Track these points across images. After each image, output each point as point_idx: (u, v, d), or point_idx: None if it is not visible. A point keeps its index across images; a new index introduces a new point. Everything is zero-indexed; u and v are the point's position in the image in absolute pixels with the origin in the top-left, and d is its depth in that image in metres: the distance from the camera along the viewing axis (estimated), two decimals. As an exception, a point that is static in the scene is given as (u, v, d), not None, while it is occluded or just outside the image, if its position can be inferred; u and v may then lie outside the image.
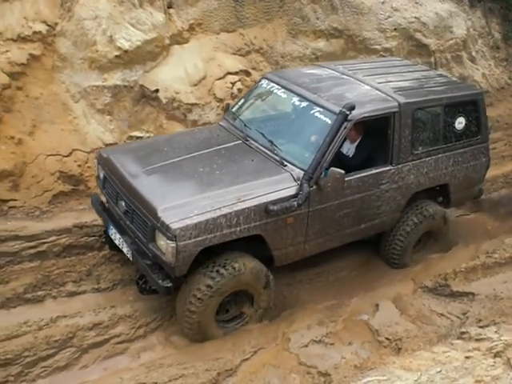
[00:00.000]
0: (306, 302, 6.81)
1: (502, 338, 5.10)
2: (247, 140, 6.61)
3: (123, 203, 5.98)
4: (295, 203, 5.81)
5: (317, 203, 6.16)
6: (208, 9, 9.03)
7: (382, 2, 10.29)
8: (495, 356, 4.77)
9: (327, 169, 6.06)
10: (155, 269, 5.73)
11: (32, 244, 6.77)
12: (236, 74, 8.86)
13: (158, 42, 8.33)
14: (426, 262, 7.51)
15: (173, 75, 8.38)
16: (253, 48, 9.29)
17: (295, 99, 6.72)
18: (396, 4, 10.50)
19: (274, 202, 5.77)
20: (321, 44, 9.80)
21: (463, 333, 5.64)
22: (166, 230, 5.36)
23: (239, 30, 9.30)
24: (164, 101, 8.23)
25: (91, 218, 7.13)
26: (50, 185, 7.46)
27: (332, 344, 6.06)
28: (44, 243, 6.82)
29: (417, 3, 10.94)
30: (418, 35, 10.70)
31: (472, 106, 7.34)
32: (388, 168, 6.70)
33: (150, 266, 5.75)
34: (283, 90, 6.90)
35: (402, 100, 6.66)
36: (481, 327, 5.85)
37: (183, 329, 5.92)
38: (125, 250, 6.11)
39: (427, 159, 7.00)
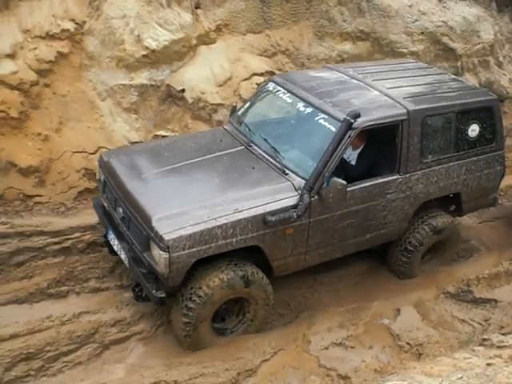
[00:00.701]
0: (327, 304, 6.79)
1: (523, 346, 5.08)
2: (250, 146, 6.45)
3: (121, 209, 5.89)
4: (294, 214, 5.63)
5: (318, 214, 5.97)
6: (235, 10, 9.05)
7: (410, 6, 10.22)
8: (517, 364, 4.75)
9: (330, 178, 5.87)
10: (150, 278, 5.61)
11: (56, 240, 6.84)
12: (262, 75, 8.86)
13: (185, 42, 8.37)
14: (449, 268, 7.47)
15: (199, 75, 8.41)
16: (279, 49, 9.29)
17: (300, 104, 6.51)
18: (423, 8, 10.42)
19: (273, 213, 5.59)
20: (347, 46, 9.77)
21: (485, 339, 5.59)
22: (159, 240, 5.25)
23: (266, 31, 9.30)
24: (190, 101, 8.26)
25: (115, 215, 7.21)
26: (76, 181, 7.54)
27: (352, 347, 6.07)
28: (68, 239, 6.89)
29: (444, 7, 10.86)
30: (445, 39, 10.60)
31: (487, 113, 7.07)
32: (395, 177, 6.48)
33: (144, 275, 5.65)
34: (289, 94, 6.70)
35: (411, 107, 6.43)
36: (503, 334, 5.83)
37: (179, 336, 5.81)
38: (122, 256, 6.05)
39: (437, 168, 6.75)
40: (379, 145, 6.52)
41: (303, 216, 5.77)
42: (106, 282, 6.63)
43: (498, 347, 5.28)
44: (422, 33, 10.28)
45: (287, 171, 6.00)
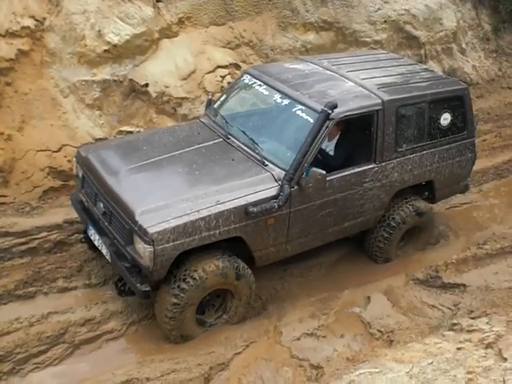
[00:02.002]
0: (297, 295, 6.80)
1: (493, 329, 5.15)
2: (228, 138, 6.50)
3: (101, 204, 5.89)
4: (276, 205, 5.71)
5: (298, 203, 6.05)
6: (197, 2, 8.97)
7: (372, -6, 10.28)
8: (487, 347, 4.81)
9: (309, 168, 5.95)
10: (133, 272, 5.62)
11: (22, 240, 6.75)
12: (226, 67, 8.82)
13: (147, 36, 8.28)
14: (417, 255, 7.54)
15: (162, 69, 8.33)
16: (242, 41, 9.26)
17: (277, 96, 6.57)
18: (386, -4, 10.49)
19: (254, 204, 5.66)
20: (311, 37, 9.76)
21: (455, 324, 5.67)
22: (143, 233, 5.27)
23: (228, 23, 9.25)
24: (154, 95, 8.18)
25: (82, 213, 7.14)
26: (40, 180, 7.43)
27: (324, 337, 6.10)
28: (35, 239, 6.80)
29: (406, -5, 10.94)
30: (408, 27, 10.68)
31: (458, 102, 7.22)
32: (371, 166, 6.59)
33: (128, 269, 5.65)
34: (265, 86, 6.76)
35: (386, 97, 6.55)
36: (472, 318, 5.90)
37: (164, 331, 5.87)
38: (104, 251, 6.03)
39: (411, 156, 6.88)
40: (355, 135, 6.66)
41: (284, 206, 5.84)
42: (74, 282, 6.56)
43: (468, 331, 5.35)
44: (385, 21, 10.34)
45: (266, 162, 6.07)
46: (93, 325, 6.05)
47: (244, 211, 5.63)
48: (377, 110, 6.47)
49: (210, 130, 6.71)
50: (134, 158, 6.14)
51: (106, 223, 5.85)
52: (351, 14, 10.00)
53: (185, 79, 8.43)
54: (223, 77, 8.69)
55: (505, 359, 4.46)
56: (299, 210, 6.10)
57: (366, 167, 6.56)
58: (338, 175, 6.33)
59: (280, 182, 5.86)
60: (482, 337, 5.02)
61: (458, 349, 4.90)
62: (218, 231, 5.56)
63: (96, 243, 6.17)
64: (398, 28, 10.55)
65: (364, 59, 7.76)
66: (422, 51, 10.81)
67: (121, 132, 7.96)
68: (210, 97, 7.29)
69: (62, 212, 7.20)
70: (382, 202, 6.87)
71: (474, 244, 7.65)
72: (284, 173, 5.90)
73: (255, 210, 5.63)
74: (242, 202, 5.65)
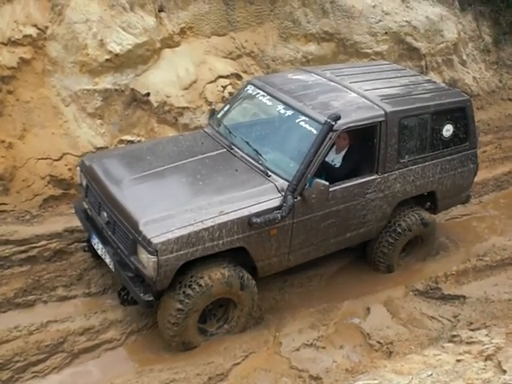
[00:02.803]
0: (297, 305, 6.81)
1: (492, 341, 5.13)
2: (232, 148, 6.51)
3: (105, 214, 5.90)
4: (279, 215, 5.73)
5: (301, 214, 6.07)
6: (199, 12, 9.01)
7: (373, 6, 10.29)
8: (486, 359, 4.79)
9: (312, 179, 5.98)
10: (137, 281, 5.65)
11: (22, 248, 6.74)
12: (227, 77, 8.83)
13: (148, 45, 8.30)
14: (417, 266, 7.54)
15: (164, 79, 8.35)
16: (244, 51, 9.29)
17: (280, 107, 6.61)
18: (387, 8, 10.50)
19: (258, 215, 5.69)
20: (312, 48, 9.80)
21: (454, 336, 5.66)
22: (147, 244, 5.28)
23: (230, 33, 9.29)
24: (155, 104, 8.19)
25: (82, 222, 7.14)
26: (41, 189, 7.42)
27: (323, 348, 6.08)
28: (34, 248, 6.79)
29: (408, 7, 10.97)
30: (409, 39, 10.72)
31: (460, 113, 7.25)
32: (374, 177, 6.62)
33: (131, 279, 5.67)
34: (269, 96, 6.80)
35: (389, 109, 6.58)
36: (472, 330, 5.88)
37: (166, 340, 5.87)
38: (107, 260, 6.04)
39: (414, 167, 6.92)
40: (358, 146, 6.68)
41: (287, 217, 5.87)
42: (74, 290, 6.56)
43: (467, 343, 5.34)
44: (386, 33, 10.37)
45: (270, 173, 6.10)
46: (92, 334, 6.04)
47: (247, 222, 5.64)
48: (380, 122, 6.49)
49: (213, 140, 6.72)
50: (138, 168, 6.16)
51: (110, 232, 5.87)
52: (352, 25, 10.03)
53: (186, 89, 8.44)
54: (224, 87, 8.70)
55: (504, 371, 4.44)
56: (302, 221, 6.11)
57: (368, 178, 6.58)
58: (341, 186, 6.35)
59: (283, 193, 5.88)
60: (481, 349, 5.01)
61: (458, 361, 4.89)
62: (221, 242, 5.56)
63: (99, 252, 6.17)
64: (398, 39, 10.59)
65: (367, 70, 7.80)
66: (423, 62, 10.85)
67: (122, 141, 7.97)
68: (213, 107, 7.31)
69: (62, 220, 7.20)
70: (384, 212, 6.90)
71: (474, 255, 7.64)
72: (287, 183, 5.93)
73: (258, 220, 5.64)
74: (246, 212, 5.67)
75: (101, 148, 7.79)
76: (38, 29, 7.88)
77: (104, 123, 8.00)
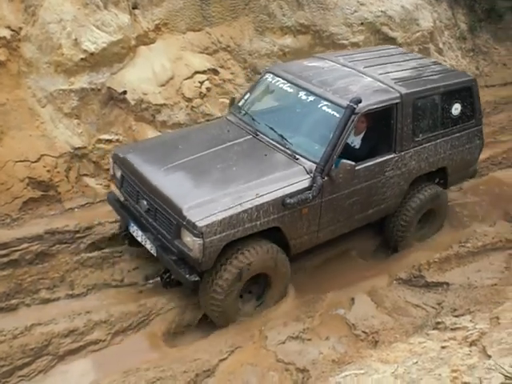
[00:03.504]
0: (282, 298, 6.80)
1: (477, 327, 5.14)
2: (257, 134, 6.83)
3: (145, 202, 6.17)
4: (310, 195, 6.11)
5: (328, 193, 6.43)
6: (173, 8, 8.96)
7: (348, -3, 10.31)
8: (471, 345, 4.80)
9: (339, 160, 6.32)
10: (181, 264, 5.95)
11: (3, 252, 6.66)
12: (204, 72, 8.82)
13: (123, 43, 8.24)
14: (400, 254, 7.57)
15: (140, 76, 8.31)
16: (220, 46, 9.25)
17: (302, 93, 6.93)
18: (362, -2, 10.53)
19: (291, 195, 6.04)
20: (288, 40, 9.79)
21: (439, 323, 5.68)
22: (192, 227, 5.59)
23: (206, 28, 9.25)
24: (132, 102, 8.15)
25: (63, 223, 7.11)
26: (20, 191, 7.34)
27: (309, 340, 6.09)
28: (16, 251, 6.71)
29: (383, -3, 10.99)
30: (385, 29, 10.73)
31: (466, 92, 7.71)
32: (392, 156, 7.00)
33: (175, 262, 5.96)
34: (289, 84, 7.13)
35: (404, 91, 6.98)
36: (456, 316, 5.91)
37: (209, 315, 6.19)
38: (148, 246, 6.29)
39: (427, 145, 7.33)
40: (376, 127, 7.00)
41: (317, 196, 6.24)
42: (57, 292, 6.51)
43: (452, 329, 5.36)
44: (362, 23, 10.39)
45: (297, 156, 6.45)
46: (76, 335, 6.00)
47: (281, 203, 6.01)
48: (396, 103, 6.90)
49: (238, 128, 7.04)
50: (172, 157, 6.46)
51: (151, 219, 6.15)
52: (328, 16, 10.03)
53: (163, 86, 8.41)
54: (202, 82, 8.68)
55: (489, 356, 4.45)
56: (329, 200, 6.49)
57: (387, 157, 6.98)
58: (363, 165, 6.71)
59: (312, 174, 6.24)
60: (465, 335, 5.02)
61: (443, 347, 4.89)
62: (258, 222, 5.92)
63: (139, 239, 6.41)
64: (374, 30, 10.60)
65: (377, 55, 8.17)
66: (400, 51, 10.85)
67: (100, 140, 7.91)
68: (233, 96, 7.79)
69: (43, 223, 7.16)
70: (401, 189, 7.30)
71: (456, 242, 7.68)
72: (314, 165, 6.29)
73: (292, 201, 6.02)
74: (279, 194, 6.02)
75: (79, 148, 7.76)
76: (12, 30, 7.80)
77: (81, 123, 7.93)
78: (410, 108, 7.02)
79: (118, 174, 6.68)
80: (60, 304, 6.41)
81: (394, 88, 7.01)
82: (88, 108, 8.00)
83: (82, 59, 7.88)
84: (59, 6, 7.90)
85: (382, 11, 10.70)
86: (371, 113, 6.75)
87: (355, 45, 10.29)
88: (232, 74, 9.26)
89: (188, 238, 5.68)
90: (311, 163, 6.32)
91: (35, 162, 7.50)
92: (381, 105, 6.79)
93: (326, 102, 6.69)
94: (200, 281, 5.93)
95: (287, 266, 6.41)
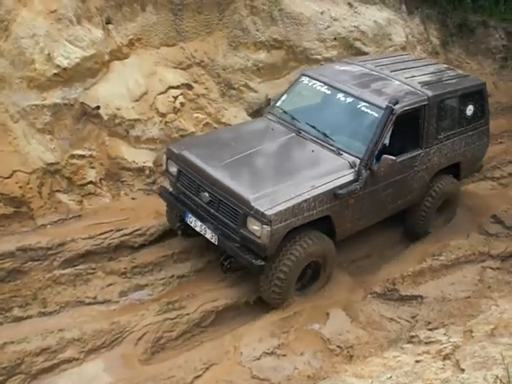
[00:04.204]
0: (257, 314, 6.80)
1: (450, 340, 5.16)
2: (300, 132, 7.44)
3: (206, 194, 6.66)
4: (358, 187, 6.78)
5: (369, 185, 7.05)
6: (147, 23, 8.94)
7: (321, 12, 10.36)
8: (444, 358, 4.81)
9: (380, 155, 7.00)
10: (245, 250, 6.44)
11: (-25, 270, 6.58)
12: (178, 87, 8.80)
13: (97, 58, 8.20)
14: (374, 268, 7.61)
15: (113, 91, 8.27)
16: (194, 61, 9.24)
17: (340, 95, 7.60)
18: (335, 14, 10.59)
19: (340, 187, 6.67)
20: (262, 55, 9.82)
21: (413, 336, 5.70)
22: (261, 216, 6.14)
23: (179, 43, 9.23)
24: (105, 118, 8.10)
25: (35, 240, 7.02)
26: (-9, 208, 7.26)
27: (284, 355, 6.09)
28: (-13, 269, 6.63)
29: (356, 12, 11.07)
30: (358, 44, 10.83)
31: (478, 95, 8.59)
32: (419, 152, 7.77)
33: (239, 249, 6.46)
34: (326, 86, 7.78)
35: (430, 93, 7.73)
36: (430, 330, 5.94)
37: (269, 296, 6.68)
38: (208, 235, 6.74)
39: (447, 142, 8.13)
40: (406, 126, 7.50)
41: (362, 188, 6.87)
42: (29, 310, 6.43)
43: (426, 343, 5.38)
44: (335, 38, 10.46)
45: (341, 152, 7.09)
46: (49, 354, 5.94)
47: (333, 194, 6.63)
48: (424, 105, 7.65)
49: (281, 126, 7.64)
50: (228, 153, 7.01)
51: (213, 210, 6.64)
52: (301, 32, 10.09)
53: (137, 101, 8.38)
54: (175, 97, 8.67)
55: (462, 370, 4.46)
56: (370, 191, 7.12)
57: (415, 153, 7.73)
58: (400, 160, 7.39)
59: (355, 168, 6.89)
60: (439, 348, 5.03)
61: (417, 361, 4.90)
62: (315, 211, 6.52)
63: (198, 229, 6.87)
64: (347, 45, 10.69)
65: (396, 60, 8.97)
66: (373, 67, 10.93)
67: (73, 156, 7.85)
68: (269, 97, 8.41)
69: (15, 240, 7.05)
70: (425, 181, 8.06)
71: (429, 255, 7.73)
72: (357, 160, 6.94)
73: (343, 192, 6.67)
74: (331, 186, 6.66)
75: (52, 164, 7.67)
76: (-16, 45, 7.72)
77: (54, 138, 7.85)
78: (435, 109, 7.79)
79: (174, 169, 7.15)
80: (32, 322, 6.33)
81: (421, 91, 7.75)
82: (61, 123, 7.93)
83: (54, 74, 7.81)
84: (32, 21, 7.83)
85: (354, 26, 10.79)
86: (404, 113, 7.36)
87: (328, 60, 10.35)
88: (206, 88, 9.25)
89: (255, 226, 6.22)
90: (354, 158, 6.97)
91: (7, 177, 7.39)
92: (413, 106, 7.52)
93: (364, 103, 7.37)
94: (264, 266, 6.41)
95: (333, 254, 6.97)
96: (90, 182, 7.94)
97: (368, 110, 7.31)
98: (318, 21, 10.29)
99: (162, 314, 6.46)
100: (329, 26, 10.40)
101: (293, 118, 7.63)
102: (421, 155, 7.78)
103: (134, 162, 8.20)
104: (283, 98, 8.07)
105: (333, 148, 7.13)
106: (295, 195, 6.37)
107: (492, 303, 6.33)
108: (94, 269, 6.97)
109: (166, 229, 7.67)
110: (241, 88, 9.65)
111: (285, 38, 9.93)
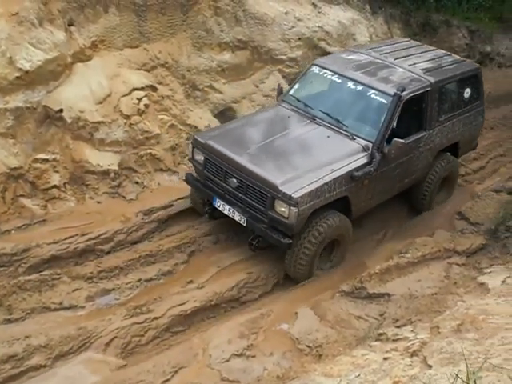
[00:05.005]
0: (226, 314, 6.83)
1: (418, 337, 5.22)
2: (314, 119, 7.96)
3: (234, 180, 7.16)
4: (372, 169, 7.38)
5: (381, 167, 7.61)
6: (110, 25, 8.86)
7: (285, 13, 10.39)
8: (412, 355, 4.86)
9: (390, 139, 7.54)
10: (273, 230, 7.00)
11: None
12: (142, 89, 8.74)
13: (59, 60, 8.10)
14: (342, 267, 7.64)
15: (77, 94, 8.17)
16: (158, 63, 9.19)
17: (350, 83, 8.13)
18: (299, 14, 10.62)
19: (357, 170, 7.25)
20: (226, 56, 9.81)
21: (381, 334, 5.74)
22: (288, 199, 6.72)
23: (143, 45, 9.18)
24: (69, 120, 8.01)
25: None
26: (-46, 214, 7.14)
27: (253, 356, 6.08)
28: (-50, 277, 6.52)
29: (320, 12, 11.12)
30: (323, 44, 10.89)
31: (474, 79, 9.26)
32: (423, 134, 8.40)
33: (267, 229, 7.01)
34: (337, 75, 8.28)
35: (433, 80, 8.34)
36: (398, 327, 5.98)
37: (294, 272, 7.23)
38: (237, 217, 7.28)
39: (447, 124, 8.78)
40: (411, 110, 8.10)
41: (375, 170, 7.45)
42: (-5, 318, 6.32)
43: (394, 340, 5.43)
44: (300, 39, 10.51)
45: (355, 137, 7.66)
46: (16, 361, 5.84)
47: (350, 176, 7.20)
48: (427, 91, 8.24)
49: (296, 114, 8.15)
50: (252, 140, 7.60)
51: (241, 195, 7.15)
52: (266, 32, 10.10)
53: (100, 103, 8.30)
54: (140, 99, 8.61)
55: (430, 366, 4.50)
56: (381, 172, 7.70)
57: (420, 135, 8.36)
58: (408, 141, 7.92)
59: (368, 151, 7.49)
60: (407, 345, 5.08)
61: (385, 359, 4.94)
62: (334, 192, 7.13)
63: (226, 212, 7.39)
64: (312, 45, 10.74)
65: (398, 47, 9.48)
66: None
67: (36, 160, 7.75)
68: (280, 86, 8.85)
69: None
70: (428, 161, 8.71)
71: (396, 253, 7.77)
72: (369, 144, 7.53)
73: (359, 173, 7.26)
74: (348, 168, 7.24)
75: (15, 168, 7.55)
76: None
77: (17, 142, 7.73)
78: (437, 94, 8.40)
79: (200, 157, 7.63)
80: (-2, 329, 6.21)
81: (424, 77, 8.34)
82: (24, 127, 7.81)
83: (17, 78, 7.69)
84: (-7, 23, 7.73)
85: (319, 26, 10.85)
86: (409, 99, 7.90)
87: (293, 60, 10.42)
88: (170, 90, 9.21)
89: (282, 208, 6.79)
90: (366, 142, 7.56)
91: (-30, 183, 7.31)
92: (418, 92, 8.10)
93: (373, 91, 7.93)
94: (291, 243, 6.94)
95: (350, 232, 7.55)
96: (54, 186, 7.84)
97: (377, 97, 7.87)
98: (283, 21, 10.32)
99: (129, 318, 6.39)
100: (293, 27, 10.44)
101: (306, 106, 8.17)
102: (425, 137, 8.42)
103: (98, 165, 8.10)
104: (296, 86, 8.61)
105: (346, 133, 7.71)
106: (317, 178, 6.94)
107: (458, 299, 6.40)
108: (59, 274, 6.88)
109: (131, 231, 7.62)
110: (206, 89, 9.65)
111: (249, 39, 9.94)
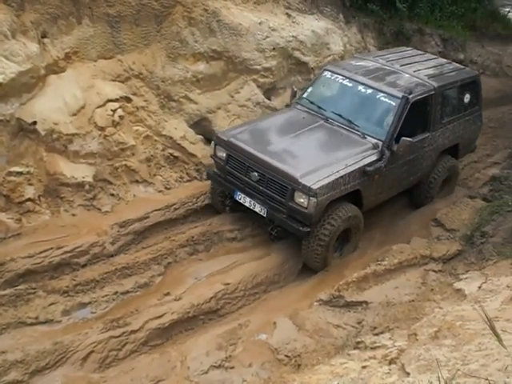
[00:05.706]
0: (204, 326, 6.78)
1: (395, 344, 5.22)
2: (327, 120, 8.58)
3: (256, 174, 7.73)
4: (382, 165, 7.99)
5: (390, 164, 8.23)
6: (83, 36, 8.80)
7: (260, 23, 10.40)
8: (390, 363, 4.85)
9: (399, 138, 8.11)
10: (292, 220, 7.56)
11: None
12: (116, 100, 8.68)
13: (33, 72, 8.02)
14: (318, 276, 7.65)
15: (50, 106, 8.10)
16: (132, 74, 9.13)
17: (361, 87, 8.78)
18: (273, 24, 10.64)
19: (369, 165, 7.85)
20: (201, 67, 9.77)
21: (359, 342, 5.75)
22: (308, 190, 7.28)
23: (117, 56, 9.11)
24: (43, 133, 7.92)
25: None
26: None
27: (232, 368, 6.07)
28: None
29: (294, 22, 11.16)
30: (297, 53, 10.94)
31: (474, 85, 9.96)
32: (428, 134, 9.06)
33: (287, 219, 7.60)
34: (348, 80, 8.93)
35: (436, 84, 9.02)
36: (376, 335, 6.00)
37: (311, 260, 7.76)
38: (257, 209, 7.87)
39: (449, 126, 9.45)
40: (416, 112, 8.60)
41: (385, 166, 8.04)
42: (-30, 333, 6.22)
43: (372, 348, 5.43)
44: (274, 48, 10.52)
45: (365, 136, 8.27)
46: (-8, 377, 5.75)
47: (362, 171, 7.81)
48: (431, 94, 8.92)
49: (310, 115, 8.78)
50: (271, 138, 8.23)
51: (262, 187, 7.73)
52: (240, 42, 10.08)
53: (74, 115, 8.22)
54: (114, 110, 8.54)
55: (408, 374, 4.50)
56: (390, 169, 8.31)
57: (425, 135, 9.01)
58: (415, 141, 8.51)
59: (378, 149, 8.08)
60: (385, 353, 5.08)
61: (363, 367, 4.93)
62: (348, 186, 7.71)
63: (247, 204, 7.99)
64: (286, 55, 10.77)
65: (403, 55, 10.27)
66: (312, 76, 11.04)
67: (10, 173, 7.63)
68: (294, 89, 9.30)
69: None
70: (432, 160, 9.38)
71: (373, 261, 7.81)
72: (379, 142, 8.14)
73: (371, 169, 7.87)
74: (361, 164, 7.84)
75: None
76: None
77: (-10, 156, 7.66)
78: (440, 98, 9.08)
79: (222, 154, 8.23)
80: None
81: (428, 82, 9.02)
82: (-4, 140, 7.73)
83: (-11, 90, 7.62)
84: (-34, 36, 7.64)
85: (293, 36, 10.88)
86: (415, 101, 8.49)
87: (268, 70, 10.42)
88: (145, 101, 9.16)
89: (301, 199, 7.35)
90: (376, 140, 8.18)
91: None
92: (424, 95, 8.77)
93: (383, 94, 8.56)
94: (309, 232, 7.47)
95: (362, 222, 8.11)
96: (29, 200, 7.72)
97: (386, 100, 8.50)
98: (257, 31, 10.32)
99: (106, 331, 6.33)
100: (267, 37, 10.45)
101: (319, 108, 8.82)
102: (429, 137, 9.07)
103: (73, 177, 8.01)
104: (309, 90, 9.23)
105: (358, 133, 8.33)
106: (333, 172, 7.50)
107: (435, 306, 6.41)
108: (34, 288, 6.78)
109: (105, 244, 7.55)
110: (181, 100, 9.60)
111: (224, 49, 9.92)
